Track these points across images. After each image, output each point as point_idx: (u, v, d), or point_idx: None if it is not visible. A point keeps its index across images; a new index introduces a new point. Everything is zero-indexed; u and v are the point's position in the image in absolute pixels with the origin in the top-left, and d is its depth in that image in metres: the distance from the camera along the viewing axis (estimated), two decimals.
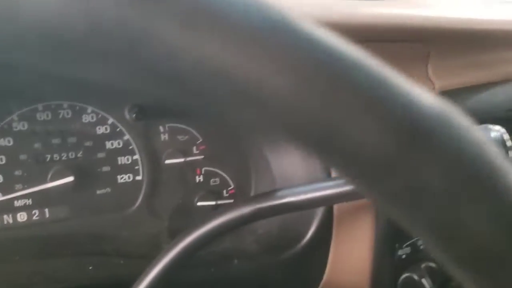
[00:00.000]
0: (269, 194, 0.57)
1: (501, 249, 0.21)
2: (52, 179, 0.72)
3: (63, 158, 0.73)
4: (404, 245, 0.69)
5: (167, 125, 0.77)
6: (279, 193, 0.57)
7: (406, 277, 0.70)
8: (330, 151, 0.20)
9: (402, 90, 0.20)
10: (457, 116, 0.21)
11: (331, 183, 0.54)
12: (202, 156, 0.80)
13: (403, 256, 0.70)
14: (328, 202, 0.58)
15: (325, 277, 0.72)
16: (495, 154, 0.22)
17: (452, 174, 0.21)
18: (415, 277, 0.69)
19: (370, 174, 0.21)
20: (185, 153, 0.78)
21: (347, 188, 0.54)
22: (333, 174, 0.68)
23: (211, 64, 0.19)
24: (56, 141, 0.73)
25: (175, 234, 0.76)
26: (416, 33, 0.72)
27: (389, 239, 0.69)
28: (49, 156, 0.73)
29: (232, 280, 0.70)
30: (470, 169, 0.21)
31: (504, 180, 0.21)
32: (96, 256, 0.68)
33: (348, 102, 0.19)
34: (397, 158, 0.20)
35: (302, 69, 0.19)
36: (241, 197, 0.83)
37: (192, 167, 0.80)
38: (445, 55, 0.74)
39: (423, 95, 0.21)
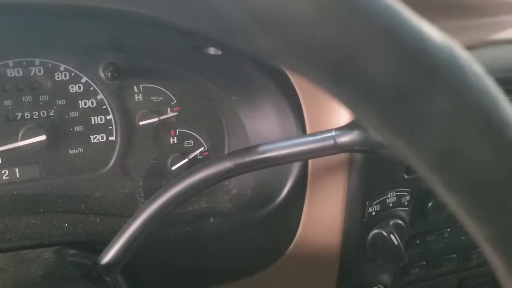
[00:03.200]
0: (248, 149, 0.58)
1: (497, 173, 0.23)
2: (23, 138, 0.70)
3: (35, 116, 0.72)
4: (374, 203, 0.72)
5: (141, 85, 0.77)
6: (258, 149, 0.58)
7: (376, 233, 0.73)
8: (347, 78, 0.22)
9: (415, 25, 0.22)
10: (461, 51, 0.23)
11: (310, 138, 0.56)
12: (176, 118, 0.80)
13: (373, 213, 0.73)
14: (307, 156, 0.60)
15: (298, 233, 0.74)
16: (493, 85, 0.23)
17: (457, 102, 0.22)
18: (384, 233, 0.73)
19: (376, 99, 0.22)
20: (159, 114, 0.78)
21: (324, 143, 0.55)
22: (308, 132, 0.70)
23: None
24: (27, 98, 0.71)
25: (151, 194, 0.77)
26: None
27: (360, 196, 0.72)
28: (20, 114, 0.71)
29: (208, 237, 0.71)
30: (474, 98, 0.22)
31: (501, 108, 0.23)
32: (71, 214, 0.68)
33: (368, 32, 0.21)
34: (409, 85, 0.22)
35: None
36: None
37: (166, 128, 0.80)
38: None
39: (432, 31, 0.22)
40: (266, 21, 0.21)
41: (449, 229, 0.82)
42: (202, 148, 0.83)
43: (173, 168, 0.80)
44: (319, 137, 0.56)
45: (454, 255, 0.86)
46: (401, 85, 0.22)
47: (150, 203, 0.59)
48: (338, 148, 0.55)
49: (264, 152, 0.57)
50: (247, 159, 0.58)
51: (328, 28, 0.21)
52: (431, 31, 0.23)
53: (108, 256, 0.58)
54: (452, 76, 0.23)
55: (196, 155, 0.83)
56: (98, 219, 0.68)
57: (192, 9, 0.21)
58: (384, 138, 0.25)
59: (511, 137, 0.24)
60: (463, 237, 0.85)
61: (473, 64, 0.24)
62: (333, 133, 0.55)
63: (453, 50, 0.23)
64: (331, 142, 0.55)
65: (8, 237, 0.62)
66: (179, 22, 0.23)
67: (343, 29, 0.21)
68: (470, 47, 0.78)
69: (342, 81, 0.22)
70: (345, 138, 0.54)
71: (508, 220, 0.26)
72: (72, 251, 0.61)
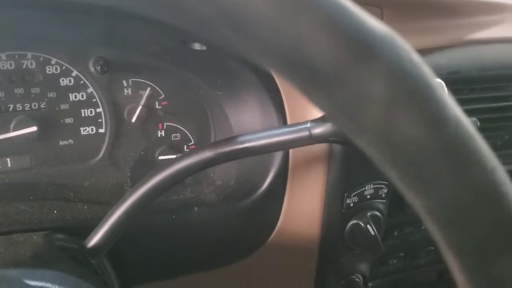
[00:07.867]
0: (228, 139, 0.61)
1: (431, 151, 0.26)
2: (15, 129, 0.73)
3: (26, 108, 0.74)
4: (352, 194, 0.75)
5: (130, 80, 0.79)
6: (238, 139, 0.60)
7: (353, 224, 0.76)
8: (290, 63, 0.24)
9: (355, 14, 0.25)
10: (400, 40, 0.26)
11: (287, 129, 0.59)
12: (164, 111, 0.82)
13: (351, 205, 0.75)
14: (283, 146, 0.62)
15: (279, 223, 0.77)
16: (429, 72, 0.26)
17: (395, 87, 0.25)
18: (361, 223, 0.75)
19: (323, 84, 0.25)
20: (148, 107, 0.81)
21: (300, 134, 0.58)
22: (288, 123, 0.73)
23: None
24: (19, 91, 0.74)
25: None
26: None
27: (339, 188, 0.74)
28: (11, 105, 0.74)
29: (192, 226, 0.74)
30: (409, 83, 0.25)
31: (436, 95, 0.26)
32: (59, 201, 0.70)
33: (313, 22, 0.23)
34: (348, 70, 0.24)
35: None
36: None
37: (154, 121, 0.82)
38: (397, 20, 0.79)
39: (372, 20, 0.25)
40: (228, 15, 0.24)
41: None
42: (189, 141, 0.86)
43: (160, 158, 0.83)
44: (295, 128, 0.59)
45: (432, 247, 0.89)
46: (343, 71, 0.25)
47: (134, 191, 0.62)
48: (313, 139, 0.58)
49: (243, 142, 0.60)
50: (227, 149, 0.61)
51: (280, 20, 0.24)
52: (372, 22, 0.26)
53: (94, 240, 0.60)
54: (390, 64, 0.25)
55: (183, 148, 0.86)
56: (86, 207, 0.70)
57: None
58: (333, 121, 0.28)
59: (444, 116, 0.27)
60: None
61: (411, 53, 0.26)
62: (309, 125, 0.58)
63: (393, 41, 0.26)
64: (306, 133, 0.58)
65: None
66: (151, 15, 0.25)
67: (293, 19, 0.24)
68: (448, 46, 0.81)
69: (295, 68, 0.25)
70: (319, 129, 0.57)
71: (443, 193, 0.29)
72: (60, 236, 0.64)
